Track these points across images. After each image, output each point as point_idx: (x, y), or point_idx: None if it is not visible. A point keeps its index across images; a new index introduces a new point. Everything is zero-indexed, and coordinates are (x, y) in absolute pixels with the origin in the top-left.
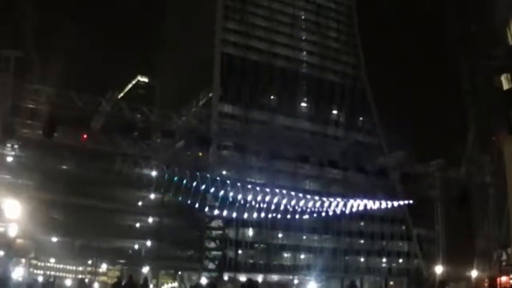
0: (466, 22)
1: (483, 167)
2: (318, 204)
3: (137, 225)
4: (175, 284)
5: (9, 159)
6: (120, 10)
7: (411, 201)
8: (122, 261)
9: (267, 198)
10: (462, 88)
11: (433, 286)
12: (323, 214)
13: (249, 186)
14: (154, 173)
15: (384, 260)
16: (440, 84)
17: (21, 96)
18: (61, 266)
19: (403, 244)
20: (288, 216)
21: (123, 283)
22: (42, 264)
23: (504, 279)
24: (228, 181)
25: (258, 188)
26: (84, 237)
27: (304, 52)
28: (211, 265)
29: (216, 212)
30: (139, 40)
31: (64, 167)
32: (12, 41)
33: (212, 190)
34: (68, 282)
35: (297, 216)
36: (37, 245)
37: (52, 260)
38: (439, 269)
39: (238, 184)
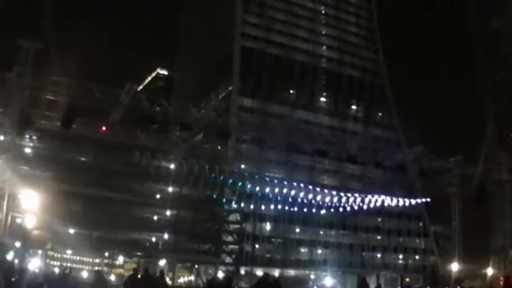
0: (486, 18)
1: (501, 164)
2: (335, 199)
3: (155, 217)
4: (192, 277)
5: (27, 150)
6: (141, 3)
7: (428, 199)
8: (139, 253)
9: (285, 192)
10: (481, 84)
11: (449, 283)
12: (341, 209)
13: (267, 180)
14: (172, 166)
15: (400, 256)
16: (459, 80)
17: (40, 87)
18: (78, 258)
19: (419, 241)
20: (305, 210)
21: (139, 276)
22: (59, 255)
23: None
24: (246, 175)
25: (276, 182)
26: (101, 229)
27: (324, 47)
28: (228, 259)
29: (234, 206)
30: (160, 33)
31: (83, 158)
32: (32, 33)
33: (230, 183)
34: (85, 274)
35: (314, 210)
36: (54, 237)
37: (69, 251)
38: (455, 266)
39: (256, 177)
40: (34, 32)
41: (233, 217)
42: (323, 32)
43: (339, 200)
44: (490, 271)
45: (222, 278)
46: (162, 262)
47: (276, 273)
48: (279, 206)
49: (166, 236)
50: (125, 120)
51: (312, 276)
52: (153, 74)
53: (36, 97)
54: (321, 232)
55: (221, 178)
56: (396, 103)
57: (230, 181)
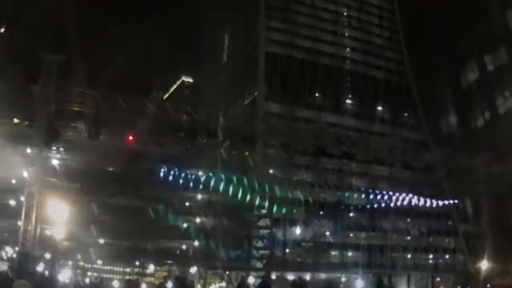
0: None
1: None
2: (364, 200)
3: (185, 225)
4: (223, 283)
5: (55, 161)
6: (164, 12)
7: (456, 201)
8: (169, 261)
9: (314, 196)
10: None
11: (479, 281)
12: (370, 210)
13: (296, 184)
14: (200, 173)
15: (430, 256)
16: (485, 77)
17: (65, 99)
18: (109, 267)
19: (449, 240)
20: (335, 212)
21: (170, 284)
22: (89, 265)
23: None
24: (275, 180)
25: (304, 186)
26: (131, 238)
27: (348, 49)
28: (258, 264)
29: (263, 211)
30: (184, 41)
31: (111, 168)
32: (56, 45)
33: (259, 189)
34: (116, 283)
35: (343, 212)
36: (84, 247)
37: (99, 261)
38: (484, 264)
39: (285, 182)
40: (59, 44)
41: (262, 222)
42: (347, 34)
43: (368, 202)
44: None
45: (258, 283)
46: (193, 270)
47: (307, 277)
48: (309, 210)
49: (196, 243)
50: (152, 129)
51: (343, 279)
52: (178, 82)
53: (62, 109)
54: (351, 235)
55: (250, 184)
56: (422, 103)
57: (259, 186)
